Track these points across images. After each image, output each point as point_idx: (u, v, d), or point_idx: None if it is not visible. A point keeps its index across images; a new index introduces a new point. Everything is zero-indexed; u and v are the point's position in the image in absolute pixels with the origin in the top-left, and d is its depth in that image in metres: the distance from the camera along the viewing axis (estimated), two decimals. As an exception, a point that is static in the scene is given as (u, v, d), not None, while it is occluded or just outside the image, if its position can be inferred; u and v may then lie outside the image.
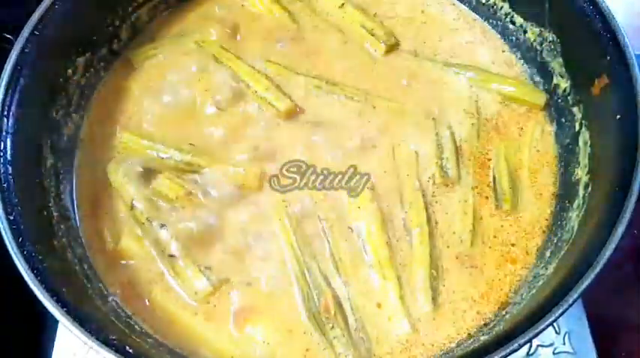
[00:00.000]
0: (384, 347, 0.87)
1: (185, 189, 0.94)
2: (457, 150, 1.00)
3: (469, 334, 0.88)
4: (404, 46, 1.09)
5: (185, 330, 0.88)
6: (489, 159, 1.00)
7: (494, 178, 0.98)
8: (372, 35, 1.08)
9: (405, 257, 0.92)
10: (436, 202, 0.96)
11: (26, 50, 0.88)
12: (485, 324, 0.89)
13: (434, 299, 0.89)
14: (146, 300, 0.90)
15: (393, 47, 1.08)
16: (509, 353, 0.73)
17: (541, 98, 1.03)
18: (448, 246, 0.93)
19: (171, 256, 0.91)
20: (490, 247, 0.94)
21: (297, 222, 0.94)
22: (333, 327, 0.87)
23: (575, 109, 0.97)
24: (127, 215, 0.95)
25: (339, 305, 0.89)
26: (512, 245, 0.94)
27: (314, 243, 0.93)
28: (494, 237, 0.95)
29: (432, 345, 0.88)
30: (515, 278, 0.92)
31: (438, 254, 0.93)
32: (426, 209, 0.95)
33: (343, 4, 1.12)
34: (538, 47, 1.04)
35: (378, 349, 0.87)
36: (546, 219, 0.96)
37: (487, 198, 0.97)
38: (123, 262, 0.92)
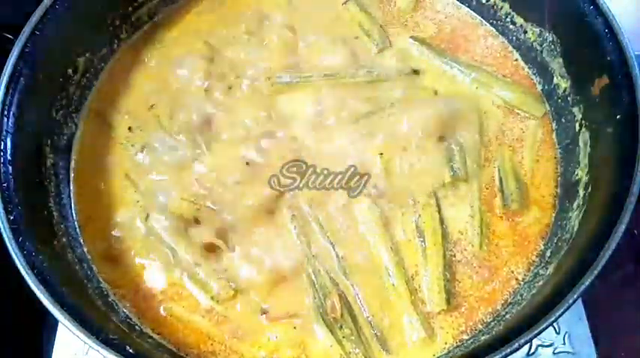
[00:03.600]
0: (396, 346, 0.88)
1: (197, 205, 0.95)
2: (463, 149, 1.00)
3: (475, 333, 0.89)
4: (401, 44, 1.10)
5: (199, 336, 0.88)
6: (494, 160, 1.00)
7: (500, 179, 0.98)
8: (368, 36, 1.09)
9: (417, 259, 0.93)
10: (444, 204, 0.96)
11: (26, 50, 0.88)
12: (486, 324, 0.89)
13: (448, 300, 0.89)
14: (161, 309, 0.90)
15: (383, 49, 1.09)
16: (510, 353, 0.73)
17: (539, 110, 1.03)
18: (457, 248, 0.94)
19: (189, 264, 0.91)
20: (496, 248, 0.94)
21: (303, 225, 0.94)
22: (341, 327, 0.87)
23: (575, 109, 0.97)
24: (137, 226, 0.95)
25: (347, 305, 0.89)
26: (516, 245, 0.94)
27: (319, 244, 0.93)
28: (500, 237, 0.95)
29: (445, 344, 0.88)
30: (518, 278, 0.92)
31: (449, 256, 0.93)
32: (439, 211, 0.95)
33: (347, 1, 1.12)
34: (538, 47, 1.04)
35: (392, 348, 0.88)
36: (547, 219, 0.96)
37: (493, 199, 0.97)
38: (133, 270, 0.92)
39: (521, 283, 0.91)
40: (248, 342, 0.88)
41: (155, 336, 0.88)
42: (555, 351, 1.01)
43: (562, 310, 0.74)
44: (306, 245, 0.93)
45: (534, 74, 1.07)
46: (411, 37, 1.10)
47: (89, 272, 0.90)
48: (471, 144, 1.01)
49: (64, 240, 0.90)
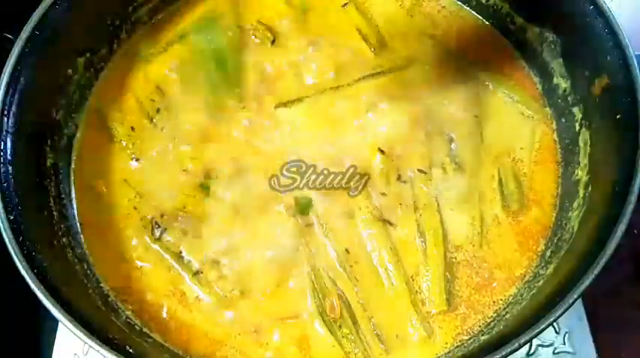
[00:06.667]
0: (396, 346, 0.88)
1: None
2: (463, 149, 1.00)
3: (475, 333, 0.89)
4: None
5: (204, 338, 0.89)
6: (494, 160, 1.00)
7: (500, 179, 0.98)
8: (365, 40, 1.09)
9: (417, 259, 0.93)
10: (445, 205, 0.96)
11: (26, 50, 0.88)
12: (486, 324, 0.89)
13: (448, 300, 0.90)
14: (164, 312, 0.90)
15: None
16: (509, 353, 0.73)
17: (539, 110, 1.04)
18: (457, 249, 0.94)
19: (191, 264, 0.92)
20: (496, 248, 0.94)
21: (304, 226, 0.94)
22: (340, 327, 0.87)
23: (575, 109, 0.97)
24: (138, 228, 0.95)
25: (347, 305, 0.89)
26: (516, 245, 0.94)
27: (318, 243, 0.93)
28: (500, 238, 0.95)
29: (446, 344, 0.88)
30: (518, 278, 0.92)
31: (449, 256, 0.93)
32: (440, 211, 0.95)
33: (346, 4, 1.12)
34: (538, 47, 1.04)
35: (392, 348, 0.88)
36: (547, 219, 0.96)
37: (493, 199, 0.97)
38: (135, 273, 0.92)
39: (521, 283, 0.91)
40: (253, 343, 0.88)
41: (156, 337, 0.88)
42: (555, 351, 1.01)
43: (562, 310, 0.74)
44: (305, 244, 0.93)
45: (534, 74, 1.07)
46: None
47: (89, 272, 0.90)
48: (471, 143, 1.01)
49: (64, 240, 0.90)
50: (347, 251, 0.93)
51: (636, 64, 0.85)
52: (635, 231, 1.16)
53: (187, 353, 0.87)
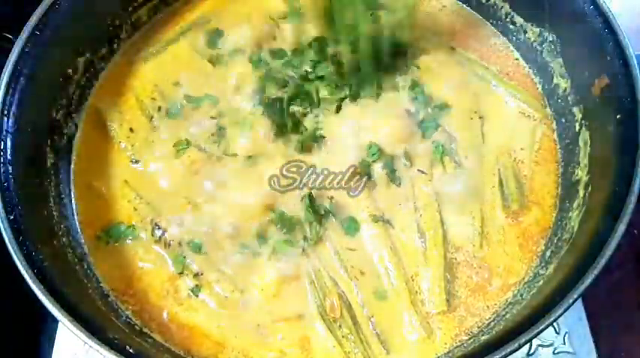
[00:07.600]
0: (396, 346, 0.88)
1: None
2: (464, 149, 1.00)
3: (474, 333, 0.89)
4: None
5: (205, 339, 0.88)
6: (495, 160, 1.00)
7: (500, 179, 0.98)
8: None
9: (417, 259, 0.93)
10: (445, 205, 0.96)
11: (26, 50, 0.88)
12: (486, 324, 0.89)
13: (448, 300, 0.89)
14: (164, 313, 0.90)
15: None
16: (509, 353, 0.73)
17: (539, 111, 1.04)
18: (457, 249, 0.94)
19: (191, 265, 0.92)
20: (496, 248, 0.94)
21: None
22: (340, 327, 0.87)
23: (575, 109, 0.97)
24: (138, 229, 0.95)
25: (347, 305, 0.89)
26: (516, 246, 0.94)
27: (320, 245, 0.93)
28: (500, 238, 0.95)
29: (445, 344, 0.88)
30: (518, 278, 0.92)
31: (449, 257, 0.93)
32: (440, 212, 0.95)
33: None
34: (538, 47, 1.04)
35: (391, 348, 0.88)
36: (547, 220, 0.96)
37: (493, 199, 0.97)
38: (136, 274, 0.92)
39: (521, 283, 0.91)
40: (255, 343, 0.88)
41: (157, 337, 0.88)
42: (555, 351, 1.01)
43: (562, 310, 0.74)
44: (306, 245, 0.93)
45: (534, 74, 1.07)
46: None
47: (89, 272, 0.90)
48: (472, 143, 1.01)
49: (64, 240, 0.90)
50: (347, 251, 0.93)
51: (636, 64, 0.85)
52: (635, 231, 1.16)
53: (189, 354, 0.87)
